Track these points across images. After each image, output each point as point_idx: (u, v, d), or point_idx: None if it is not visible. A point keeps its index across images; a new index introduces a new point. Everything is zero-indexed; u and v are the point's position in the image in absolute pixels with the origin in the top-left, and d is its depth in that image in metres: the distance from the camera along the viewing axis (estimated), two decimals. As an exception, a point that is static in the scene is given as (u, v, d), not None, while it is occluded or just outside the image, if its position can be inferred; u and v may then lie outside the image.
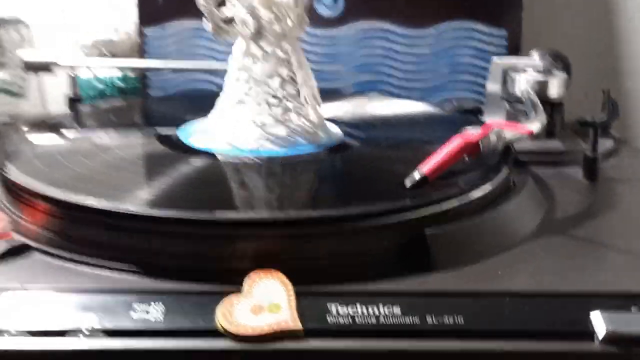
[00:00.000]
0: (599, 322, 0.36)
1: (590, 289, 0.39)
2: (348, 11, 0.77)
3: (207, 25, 0.55)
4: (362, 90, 0.79)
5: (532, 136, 0.52)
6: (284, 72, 0.55)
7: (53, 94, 0.85)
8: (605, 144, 0.63)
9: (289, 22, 0.54)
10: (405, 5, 0.77)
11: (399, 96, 0.79)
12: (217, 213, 0.41)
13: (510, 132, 0.48)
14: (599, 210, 0.51)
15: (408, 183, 0.45)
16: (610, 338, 0.36)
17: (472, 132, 0.48)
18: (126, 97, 0.79)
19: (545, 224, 0.48)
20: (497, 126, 0.48)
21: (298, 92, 0.56)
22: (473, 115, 0.71)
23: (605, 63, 0.85)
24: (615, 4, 0.85)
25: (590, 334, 0.36)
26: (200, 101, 0.73)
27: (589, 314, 0.37)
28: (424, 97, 0.79)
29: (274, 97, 0.55)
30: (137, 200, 0.44)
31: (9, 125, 0.77)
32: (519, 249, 0.44)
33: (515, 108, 0.68)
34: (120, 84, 0.78)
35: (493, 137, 0.48)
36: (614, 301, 0.38)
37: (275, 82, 0.55)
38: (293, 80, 0.56)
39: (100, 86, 0.78)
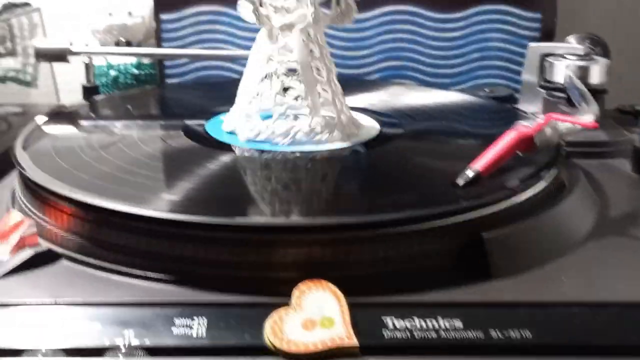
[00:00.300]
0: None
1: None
2: (374, -7, 0.74)
3: (246, 11, 0.51)
4: (388, 76, 0.76)
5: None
6: (315, 63, 0.52)
7: (65, 82, 0.82)
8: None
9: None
10: (435, -13, 0.74)
11: (427, 83, 0.76)
12: (261, 218, 0.38)
13: (566, 125, 0.45)
14: (654, 208, 0.48)
15: (461, 181, 0.42)
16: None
17: (526, 126, 0.44)
18: (141, 84, 0.76)
19: (601, 223, 0.45)
20: (554, 119, 0.44)
21: (329, 83, 0.53)
22: (507, 102, 0.68)
23: (638, 45, 0.82)
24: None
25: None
26: (219, 89, 0.70)
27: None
28: (453, 84, 0.76)
29: (306, 89, 0.51)
30: (173, 204, 0.41)
31: (21, 115, 0.74)
32: (578, 252, 0.41)
33: (554, 96, 0.65)
34: (135, 70, 0.75)
35: (549, 131, 0.45)
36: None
37: (308, 74, 0.51)
38: (324, 71, 0.53)
39: (114, 73, 0.75)
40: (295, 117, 0.51)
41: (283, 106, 0.51)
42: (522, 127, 0.44)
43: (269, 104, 0.51)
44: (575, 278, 0.39)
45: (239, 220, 0.38)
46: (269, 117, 0.51)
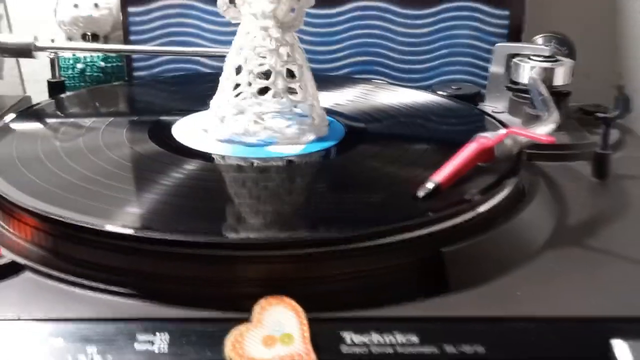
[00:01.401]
0: (623, 352, 0.35)
1: (611, 313, 0.38)
2: (344, -11, 0.74)
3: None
4: (357, 71, 0.76)
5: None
6: (289, 62, 0.52)
7: (30, 73, 0.81)
8: (611, 136, 0.62)
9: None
10: (404, -16, 0.74)
11: (395, 78, 0.76)
12: (222, 235, 0.39)
13: (527, 138, 0.46)
14: (612, 215, 0.49)
15: (421, 193, 0.43)
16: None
17: (486, 137, 0.45)
18: (108, 76, 0.75)
19: (560, 232, 0.46)
20: (513, 133, 0.45)
21: (302, 83, 0.53)
22: (474, 100, 0.69)
23: (607, 43, 0.83)
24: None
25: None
26: (188, 84, 0.70)
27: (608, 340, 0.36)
28: (421, 79, 0.76)
29: (281, 88, 0.52)
30: (136, 218, 0.41)
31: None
32: (535, 263, 0.42)
33: (520, 97, 0.66)
34: (102, 63, 0.75)
35: (509, 142, 0.45)
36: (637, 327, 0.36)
37: (282, 73, 0.52)
38: (298, 71, 0.53)
39: (81, 66, 0.74)
40: (265, 119, 0.52)
41: (256, 107, 0.51)
42: (483, 139, 0.45)
43: (243, 105, 0.51)
44: (530, 291, 0.40)
45: (200, 237, 0.38)
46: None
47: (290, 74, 0.53)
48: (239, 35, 0.53)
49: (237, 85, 0.52)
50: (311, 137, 0.52)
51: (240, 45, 0.52)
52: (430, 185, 0.43)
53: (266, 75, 0.52)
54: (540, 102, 0.55)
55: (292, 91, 0.53)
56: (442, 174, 0.43)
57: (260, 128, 0.51)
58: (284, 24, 0.51)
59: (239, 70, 0.53)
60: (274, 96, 0.52)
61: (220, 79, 0.54)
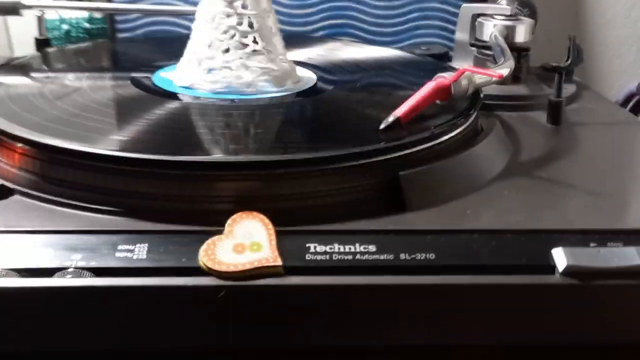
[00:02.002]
0: (560, 257, 0.39)
1: (553, 227, 0.42)
2: (318, -47, 0.77)
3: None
4: (331, 34, 0.79)
5: (499, 81, 0.54)
6: (257, 16, 0.56)
7: (18, 35, 0.84)
8: (568, 89, 0.66)
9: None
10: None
11: (368, 40, 0.79)
12: (198, 156, 0.42)
13: (481, 76, 0.50)
14: (561, 153, 0.53)
15: (382, 125, 0.46)
16: (569, 271, 0.38)
17: (444, 77, 0.49)
18: (93, 38, 0.78)
19: (511, 166, 0.50)
20: (468, 71, 0.49)
21: (269, 35, 0.57)
22: (442, 60, 0.73)
23: (569, 7, 0.87)
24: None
25: (552, 268, 0.39)
26: (169, 44, 0.73)
27: (550, 250, 0.39)
28: (393, 42, 0.80)
29: (246, 40, 0.55)
30: (117, 142, 0.44)
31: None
32: (486, 190, 0.46)
33: (483, 54, 0.69)
34: (87, 24, 0.78)
35: (464, 82, 0.49)
36: (574, 237, 0.40)
37: (246, 26, 0.55)
38: (264, 24, 0.56)
39: (66, 27, 0.77)
40: (238, 67, 0.55)
41: (231, 59, 0.54)
42: (440, 78, 0.49)
43: (216, 56, 0.55)
44: (479, 211, 0.44)
45: (178, 157, 0.42)
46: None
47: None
48: None
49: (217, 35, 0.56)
50: (277, 85, 0.55)
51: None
52: (390, 118, 0.47)
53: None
54: (499, 52, 0.58)
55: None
56: (401, 109, 0.47)
57: (231, 78, 0.54)
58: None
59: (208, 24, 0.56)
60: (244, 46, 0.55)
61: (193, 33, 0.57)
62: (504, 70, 0.52)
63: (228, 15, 0.54)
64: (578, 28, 0.87)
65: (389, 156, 0.44)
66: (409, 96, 0.49)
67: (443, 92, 0.49)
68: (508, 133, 0.56)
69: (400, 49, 0.73)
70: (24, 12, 0.69)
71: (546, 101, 0.61)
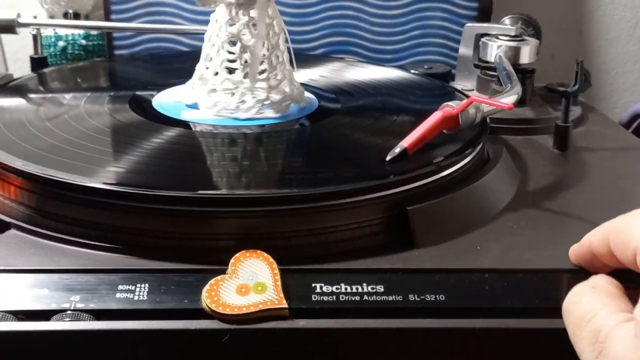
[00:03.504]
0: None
1: (565, 265, 0.40)
2: (319, -30, 0.76)
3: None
4: (332, 51, 0.78)
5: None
6: (270, 39, 0.54)
7: (12, 51, 0.82)
8: (574, 111, 0.64)
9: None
10: (377, -35, 0.77)
11: (368, 58, 0.78)
12: (198, 190, 0.41)
13: (489, 106, 0.48)
14: (570, 182, 0.52)
15: (389, 157, 0.45)
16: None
17: (451, 106, 0.48)
18: (90, 54, 0.77)
19: (520, 196, 0.49)
20: (476, 101, 0.48)
21: (281, 58, 0.55)
22: (444, 79, 0.72)
23: (572, 24, 0.86)
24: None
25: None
26: (168, 62, 0.72)
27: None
28: (394, 59, 0.79)
29: (260, 63, 0.54)
30: (116, 175, 0.43)
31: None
32: (495, 223, 0.45)
33: (487, 74, 0.68)
34: (83, 41, 0.76)
35: (472, 111, 0.48)
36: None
37: (261, 50, 0.54)
38: (277, 47, 0.55)
39: (62, 44, 0.76)
40: (248, 92, 0.54)
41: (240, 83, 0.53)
42: (447, 108, 0.48)
43: (223, 81, 0.54)
44: (489, 247, 0.42)
45: (177, 193, 0.40)
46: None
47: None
48: (216, 17, 0.55)
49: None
50: (279, 108, 0.54)
51: (215, 30, 0.54)
52: (397, 149, 0.45)
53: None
54: (505, 76, 0.57)
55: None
56: (408, 140, 0.46)
57: (237, 103, 0.53)
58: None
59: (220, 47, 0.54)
60: (245, 76, 0.54)
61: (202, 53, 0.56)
62: (512, 98, 0.51)
63: (232, 37, 0.53)
64: (582, 45, 0.87)
65: (396, 190, 0.43)
66: (415, 122, 0.48)
67: (450, 121, 0.47)
68: (515, 160, 0.55)
69: (403, 67, 0.72)
70: (20, 29, 0.68)
71: (552, 124, 0.60)
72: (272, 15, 0.55)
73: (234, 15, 0.53)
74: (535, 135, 0.61)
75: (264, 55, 0.54)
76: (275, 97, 0.54)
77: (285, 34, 0.56)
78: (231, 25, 0.54)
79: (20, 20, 0.66)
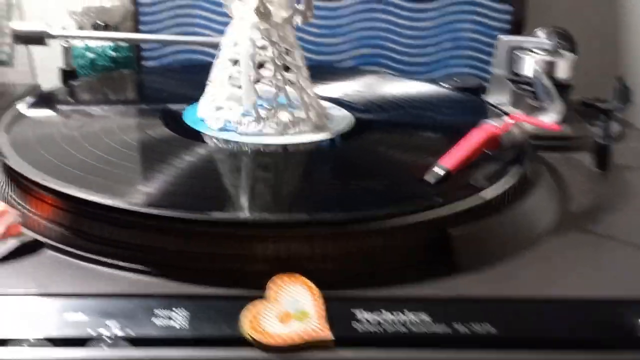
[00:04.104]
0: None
1: (626, 293, 0.39)
2: (350, -18, 0.75)
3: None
4: (362, 64, 0.77)
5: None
6: (285, 57, 0.53)
7: (41, 61, 0.82)
8: (611, 127, 0.63)
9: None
10: (409, -22, 0.76)
11: (398, 70, 0.77)
12: (238, 213, 0.40)
13: (532, 125, 0.47)
14: (613, 202, 0.51)
15: (431, 179, 0.44)
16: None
17: (494, 125, 0.47)
18: (118, 66, 0.76)
19: (563, 218, 0.48)
20: (520, 120, 0.47)
21: (299, 75, 0.54)
22: (476, 93, 0.70)
23: (607, 38, 0.84)
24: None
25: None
26: (195, 73, 0.71)
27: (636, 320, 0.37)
28: (425, 72, 0.78)
29: (277, 80, 0.53)
30: (153, 197, 0.42)
31: (-1, 95, 0.74)
32: (539, 246, 0.44)
33: (522, 89, 0.67)
34: (112, 53, 0.76)
35: (514, 130, 0.47)
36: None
37: (277, 67, 0.53)
38: (294, 65, 0.54)
39: (92, 55, 0.75)
40: (266, 110, 0.53)
41: (251, 98, 0.52)
42: (490, 127, 0.47)
43: (240, 95, 0.53)
44: (535, 272, 0.41)
45: (218, 215, 0.39)
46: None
47: (286, 69, 0.54)
48: (235, 26, 0.54)
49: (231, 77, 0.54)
50: (305, 128, 0.53)
51: (235, 39, 0.53)
52: (440, 171, 0.44)
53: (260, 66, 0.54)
54: (544, 93, 0.56)
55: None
56: (451, 160, 0.45)
57: (252, 119, 0.52)
58: (279, 18, 0.52)
59: (234, 62, 0.53)
60: (269, 88, 0.53)
61: (214, 68, 0.55)
62: (554, 117, 0.50)
63: (267, 55, 0.52)
64: (616, 58, 0.85)
65: (438, 213, 0.42)
66: (452, 139, 0.47)
67: (493, 141, 0.46)
68: (555, 179, 0.53)
69: (434, 80, 0.71)
70: (49, 41, 0.67)
71: (590, 141, 0.59)
72: (284, 36, 0.53)
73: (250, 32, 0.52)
74: (574, 153, 0.60)
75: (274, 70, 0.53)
76: (307, 115, 0.53)
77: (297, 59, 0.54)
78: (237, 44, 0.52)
79: (51, 32, 0.66)
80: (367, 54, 0.77)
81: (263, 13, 0.50)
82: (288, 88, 0.54)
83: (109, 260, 0.40)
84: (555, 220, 0.47)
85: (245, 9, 0.52)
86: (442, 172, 0.44)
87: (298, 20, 0.53)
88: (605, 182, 0.54)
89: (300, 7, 0.52)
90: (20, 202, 0.45)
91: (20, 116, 0.55)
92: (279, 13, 0.52)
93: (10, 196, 0.45)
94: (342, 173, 0.48)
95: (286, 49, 0.54)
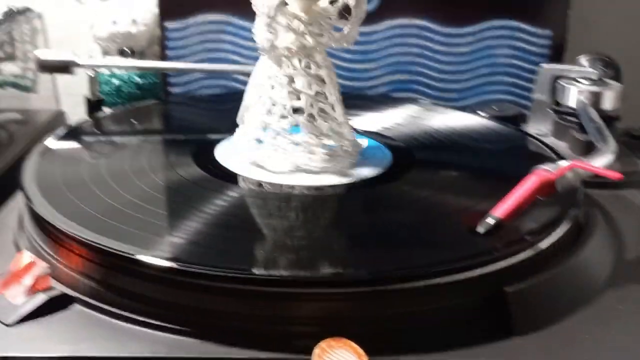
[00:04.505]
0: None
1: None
2: (383, 7, 0.73)
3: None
4: (395, 90, 0.75)
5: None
6: (322, 91, 0.51)
7: (65, 86, 0.80)
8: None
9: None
10: (443, 2, 0.73)
11: (433, 97, 0.75)
12: (277, 269, 0.38)
13: (588, 171, 0.44)
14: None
15: (482, 229, 0.41)
16: None
17: (547, 170, 0.44)
18: (144, 92, 0.74)
19: (620, 267, 0.45)
20: (577, 167, 0.44)
21: (336, 108, 0.52)
22: (515, 121, 0.68)
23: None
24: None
25: None
26: (225, 103, 0.69)
27: None
28: (461, 99, 0.75)
29: (312, 115, 0.51)
30: (189, 252, 0.39)
31: (21, 123, 0.72)
32: (599, 303, 0.41)
33: (565, 119, 0.64)
34: (138, 79, 0.74)
35: (570, 175, 0.44)
36: None
37: (313, 101, 0.51)
38: (330, 97, 0.52)
39: (117, 82, 0.74)
40: (302, 147, 0.51)
41: (285, 135, 0.50)
42: (544, 172, 0.44)
43: (273, 132, 0.50)
44: (598, 335, 0.38)
45: (254, 273, 0.37)
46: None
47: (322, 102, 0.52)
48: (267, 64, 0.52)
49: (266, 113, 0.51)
50: (341, 166, 0.51)
51: (269, 72, 0.51)
52: (491, 221, 0.42)
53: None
54: (594, 130, 0.53)
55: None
56: (502, 209, 0.42)
57: (287, 156, 0.50)
58: (320, 45, 0.50)
59: (269, 97, 0.51)
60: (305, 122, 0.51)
61: (246, 101, 0.53)
62: (608, 159, 0.47)
63: (303, 88, 0.50)
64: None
65: (492, 268, 0.39)
66: (501, 181, 0.44)
67: (547, 187, 0.44)
68: (608, 224, 0.50)
69: (471, 108, 0.68)
70: (75, 70, 0.65)
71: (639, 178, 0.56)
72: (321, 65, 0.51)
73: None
74: (623, 190, 0.57)
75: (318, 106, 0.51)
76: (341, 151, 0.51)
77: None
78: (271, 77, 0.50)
79: (78, 61, 0.64)
80: (400, 80, 0.75)
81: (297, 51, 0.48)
82: (324, 123, 0.51)
83: (143, 319, 0.38)
84: (612, 270, 0.44)
85: (280, 42, 0.50)
86: (492, 222, 0.41)
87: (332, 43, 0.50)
88: (659, 225, 0.52)
89: (347, 29, 0.50)
90: (49, 252, 0.43)
91: (46, 154, 0.53)
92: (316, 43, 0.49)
93: (40, 245, 0.43)
94: (384, 223, 0.44)
95: (321, 82, 0.51)
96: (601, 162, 0.47)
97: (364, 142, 0.55)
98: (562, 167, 0.44)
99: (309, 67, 0.51)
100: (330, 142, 0.51)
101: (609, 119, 0.61)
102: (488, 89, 0.75)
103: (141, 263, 0.38)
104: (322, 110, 0.51)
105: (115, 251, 0.39)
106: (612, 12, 0.80)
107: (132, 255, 0.38)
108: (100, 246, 0.39)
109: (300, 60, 0.50)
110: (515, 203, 0.42)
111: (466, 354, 0.36)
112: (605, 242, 0.47)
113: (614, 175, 0.43)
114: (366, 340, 0.35)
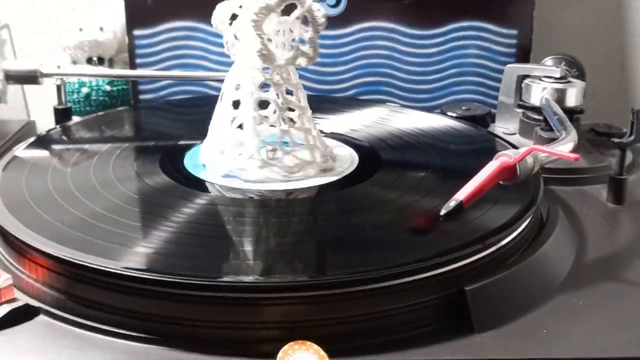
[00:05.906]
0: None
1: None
2: (350, 10, 0.73)
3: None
4: (364, 92, 0.75)
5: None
6: (289, 98, 0.52)
7: (34, 96, 0.80)
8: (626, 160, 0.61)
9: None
10: (411, 5, 0.74)
11: (402, 98, 0.75)
12: (239, 275, 0.38)
13: (546, 154, 0.45)
14: (631, 242, 0.49)
15: (443, 211, 0.42)
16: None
17: (508, 155, 0.45)
18: (114, 100, 0.74)
19: (580, 264, 0.46)
20: (536, 150, 0.45)
21: (303, 116, 0.52)
22: (484, 121, 0.68)
23: (614, 60, 0.83)
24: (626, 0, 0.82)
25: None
26: (195, 108, 0.69)
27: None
28: (430, 99, 0.76)
29: (280, 122, 0.51)
30: (152, 260, 0.40)
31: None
32: (558, 299, 0.42)
33: (530, 117, 0.65)
34: (107, 87, 0.74)
35: (530, 160, 0.45)
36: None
37: (280, 109, 0.51)
38: (297, 106, 0.52)
39: (86, 90, 0.74)
40: (271, 153, 0.51)
41: (255, 142, 0.50)
42: (504, 157, 0.45)
43: (243, 139, 0.51)
44: (557, 330, 0.39)
45: (223, 279, 0.37)
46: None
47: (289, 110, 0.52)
48: (236, 68, 0.52)
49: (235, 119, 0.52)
50: (311, 171, 0.51)
51: (237, 81, 0.51)
52: (452, 203, 0.42)
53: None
54: (557, 122, 0.54)
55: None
56: (464, 192, 0.43)
57: (256, 164, 0.50)
58: (282, 60, 0.50)
59: (237, 105, 0.52)
60: (273, 131, 0.51)
61: (216, 111, 0.53)
62: (569, 146, 0.48)
63: (272, 96, 0.51)
64: (624, 81, 0.83)
65: (451, 267, 0.40)
66: (462, 180, 0.45)
67: (508, 172, 0.44)
68: (569, 218, 0.51)
69: (440, 109, 0.69)
70: (43, 79, 0.65)
71: (604, 173, 0.57)
72: (287, 78, 0.52)
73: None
74: (587, 186, 0.58)
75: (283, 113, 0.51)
76: (314, 159, 0.52)
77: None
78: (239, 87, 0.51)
79: (44, 71, 0.64)
80: (369, 82, 0.75)
81: (266, 55, 0.48)
82: (292, 130, 0.52)
83: (107, 327, 0.38)
84: (572, 266, 0.45)
85: (246, 51, 0.50)
86: (453, 204, 0.42)
87: (302, 62, 0.51)
88: (621, 219, 0.53)
89: (305, 48, 0.50)
90: (13, 263, 0.43)
91: (11, 165, 0.53)
92: (282, 55, 0.50)
93: (4, 256, 0.43)
94: (346, 227, 0.45)
95: (289, 90, 0.52)
96: (563, 148, 0.48)
97: (332, 146, 0.56)
98: (522, 152, 0.44)
99: (278, 75, 0.51)
100: (299, 149, 0.52)
101: (573, 114, 0.62)
102: (457, 89, 0.76)
103: (104, 272, 0.38)
104: (290, 119, 0.52)
105: (77, 261, 0.39)
106: (577, 12, 0.81)
107: (94, 265, 0.38)
108: (62, 257, 0.39)
109: (268, 69, 0.51)
110: (475, 187, 0.43)
111: (428, 352, 0.37)
112: (565, 238, 0.47)
113: (571, 156, 0.44)
114: (329, 342, 0.36)
